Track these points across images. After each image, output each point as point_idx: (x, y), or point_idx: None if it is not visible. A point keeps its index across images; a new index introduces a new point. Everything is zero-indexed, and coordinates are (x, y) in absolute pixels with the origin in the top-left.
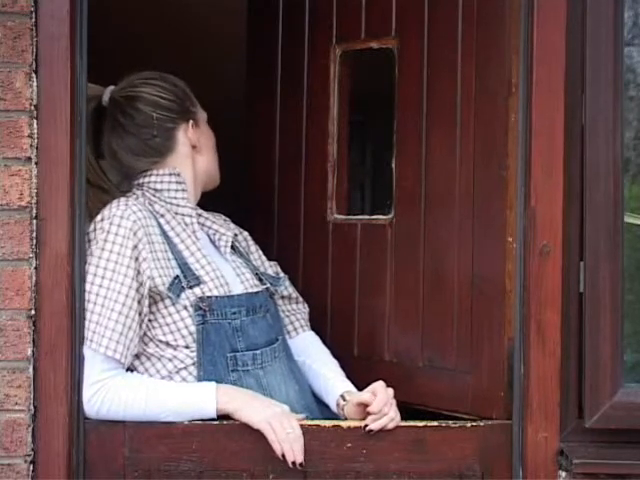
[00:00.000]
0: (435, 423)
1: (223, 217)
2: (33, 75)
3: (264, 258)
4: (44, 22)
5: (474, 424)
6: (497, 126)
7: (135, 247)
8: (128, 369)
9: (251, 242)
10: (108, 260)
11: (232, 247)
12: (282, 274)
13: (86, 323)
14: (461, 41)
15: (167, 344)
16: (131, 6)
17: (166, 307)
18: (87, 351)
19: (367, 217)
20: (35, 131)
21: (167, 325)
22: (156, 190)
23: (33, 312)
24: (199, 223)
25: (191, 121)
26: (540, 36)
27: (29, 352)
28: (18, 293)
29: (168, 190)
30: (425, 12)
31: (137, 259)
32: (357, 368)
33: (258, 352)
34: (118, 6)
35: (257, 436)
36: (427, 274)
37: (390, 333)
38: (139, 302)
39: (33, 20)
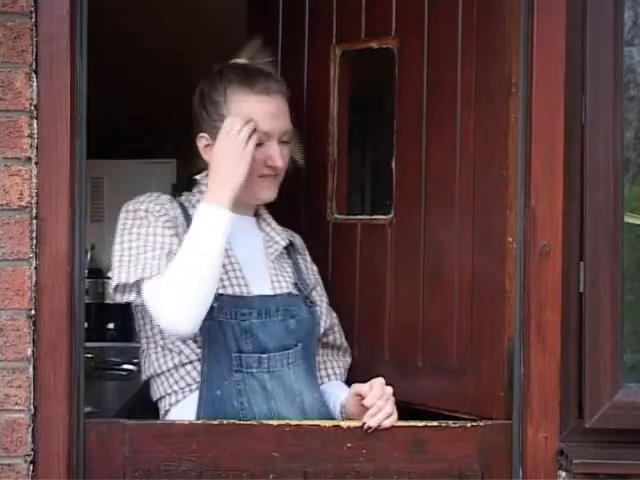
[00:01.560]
0: (435, 423)
1: (290, 231)
2: (33, 75)
3: (314, 269)
4: (44, 22)
5: (474, 424)
6: (497, 126)
7: (167, 220)
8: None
9: (307, 258)
10: (142, 218)
11: (288, 254)
12: (315, 289)
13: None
14: (461, 41)
15: None
16: (131, 6)
17: None
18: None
19: (367, 217)
20: (35, 131)
21: None
22: (200, 192)
23: (33, 312)
24: (259, 227)
25: (204, 134)
26: (540, 36)
27: (29, 352)
28: (18, 293)
29: (201, 193)
30: (425, 12)
31: (170, 229)
32: (357, 368)
33: (264, 356)
34: (118, 6)
35: (257, 436)
36: (427, 274)
37: (390, 333)
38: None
39: (33, 20)
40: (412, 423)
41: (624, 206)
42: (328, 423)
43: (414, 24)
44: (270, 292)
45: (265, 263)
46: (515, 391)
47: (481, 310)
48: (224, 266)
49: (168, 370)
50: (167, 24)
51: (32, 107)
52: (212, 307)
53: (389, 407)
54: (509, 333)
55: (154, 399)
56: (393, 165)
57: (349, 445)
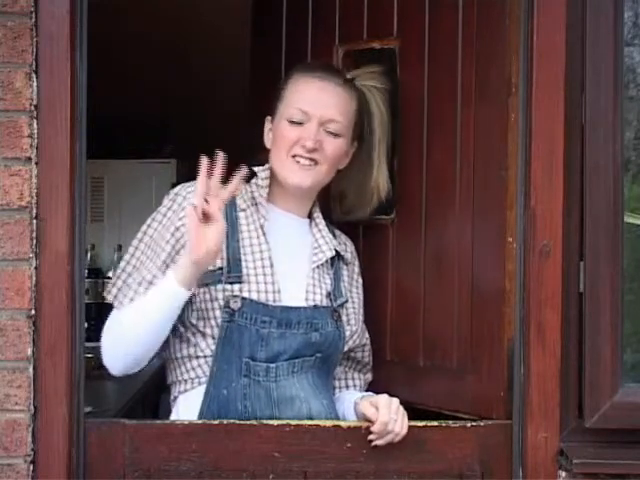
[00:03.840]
0: (435, 423)
1: (344, 237)
2: (33, 75)
3: (360, 283)
4: (44, 22)
5: (474, 424)
6: (497, 126)
7: (177, 229)
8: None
9: (356, 269)
10: (149, 226)
11: (332, 264)
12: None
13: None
14: (461, 41)
15: (197, 329)
16: (132, 6)
17: (203, 293)
18: None
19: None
20: (35, 131)
21: (200, 311)
22: (256, 185)
23: (33, 312)
24: (310, 232)
25: (269, 117)
26: (540, 36)
27: (29, 352)
28: (18, 293)
29: (257, 186)
30: (426, 13)
31: (178, 240)
32: None
33: (272, 366)
34: (119, 6)
35: (257, 436)
36: (428, 274)
37: (390, 333)
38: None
39: (33, 20)
40: (412, 423)
41: (624, 206)
42: (328, 423)
43: (415, 24)
44: (302, 302)
45: (306, 271)
46: (515, 391)
47: (481, 310)
48: (254, 269)
49: (182, 357)
50: (168, 24)
51: (32, 107)
52: (233, 310)
53: (397, 427)
54: (509, 333)
55: (167, 382)
56: (393, 165)
57: (349, 445)
